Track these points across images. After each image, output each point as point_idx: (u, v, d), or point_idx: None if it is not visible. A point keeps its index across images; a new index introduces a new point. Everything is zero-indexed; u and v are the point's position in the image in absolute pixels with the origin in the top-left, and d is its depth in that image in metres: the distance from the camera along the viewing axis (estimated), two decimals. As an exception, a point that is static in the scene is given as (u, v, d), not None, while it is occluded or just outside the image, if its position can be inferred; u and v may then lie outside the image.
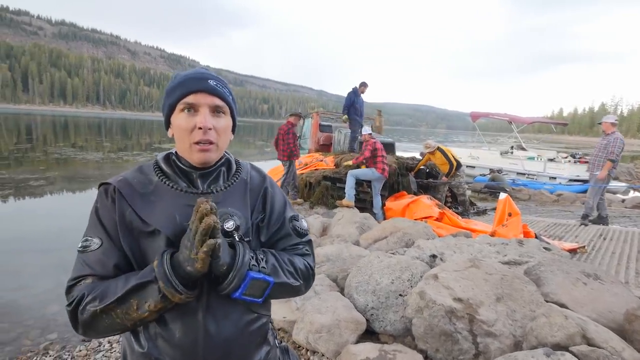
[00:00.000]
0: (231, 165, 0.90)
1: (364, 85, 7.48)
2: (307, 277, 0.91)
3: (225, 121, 0.83)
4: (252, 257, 0.79)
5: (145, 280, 0.72)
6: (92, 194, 8.63)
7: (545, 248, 3.14)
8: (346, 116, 7.44)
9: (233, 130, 0.90)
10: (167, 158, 0.87)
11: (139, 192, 0.80)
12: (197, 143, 0.79)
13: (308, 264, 0.92)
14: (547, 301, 2.21)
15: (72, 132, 29.03)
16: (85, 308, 0.72)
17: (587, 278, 2.42)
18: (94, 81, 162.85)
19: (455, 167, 6.49)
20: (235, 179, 0.88)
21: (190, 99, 0.78)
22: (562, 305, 2.16)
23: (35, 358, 2.49)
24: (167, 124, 0.85)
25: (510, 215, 4.11)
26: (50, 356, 2.50)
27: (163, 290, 0.70)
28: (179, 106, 0.80)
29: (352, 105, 7.35)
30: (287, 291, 0.86)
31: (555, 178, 11.63)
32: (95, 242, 0.78)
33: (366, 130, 5.79)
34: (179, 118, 0.80)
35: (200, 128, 0.78)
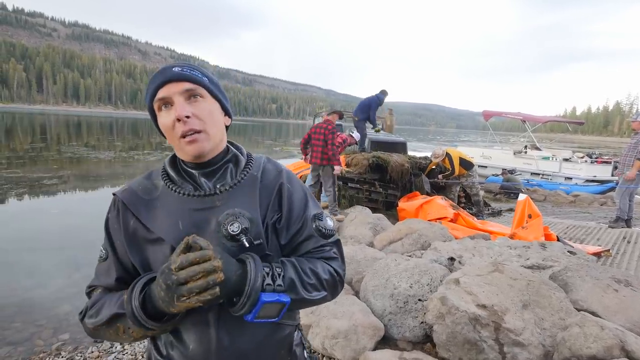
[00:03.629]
0: (239, 160, 0.82)
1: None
2: (334, 285, 0.81)
3: (206, 104, 0.75)
4: (268, 274, 0.69)
5: (121, 312, 0.70)
6: (104, 193, 8.71)
7: (569, 252, 3.01)
8: (379, 127, 7.13)
9: (228, 114, 0.82)
10: (174, 161, 0.81)
11: (143, 199, 0.77)
12: (183, 137, 0.72)
13: (334, 270, 0.81)
14: (577, 309, 2.10)
15: (84, 132, 29.49)
16: (85, 322, 0.76)
17: (617, 284, 2.29)
18: (106, 81, 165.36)
19: (453, 172, 6.37)
20: (243, 175, 0.79)
21: (160, 94, 0.73)
22: (593, 314, 2.04)
23: (48, 358, 2.47)
24: (161, 132, 0.78)
25: (530, 217, 3.97)
26: (62, 357, 2.48)
27: (132, 327, 0.69)
28: (156, 106, 0.75)
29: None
30: (309, 304, 0.77)
31: (571, 178, 11.35)
32: (103, 254, 0.80)
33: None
34: (161, 118, 0.75)
35: (179, 120, 0.71)
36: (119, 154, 15.63)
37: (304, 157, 5.52)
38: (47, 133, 25.75)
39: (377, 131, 7.15)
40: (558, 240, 3.85)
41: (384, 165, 6.13)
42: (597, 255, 3.70)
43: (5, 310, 3.11)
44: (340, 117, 5.81)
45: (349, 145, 6.33)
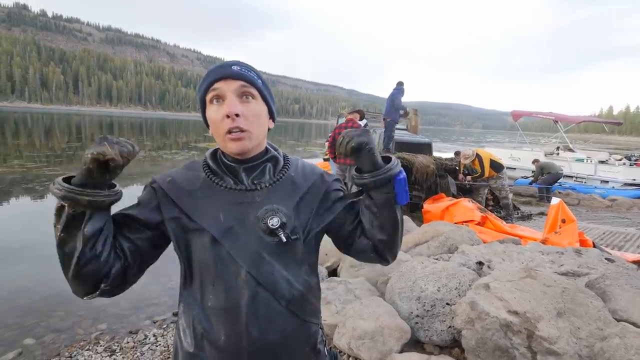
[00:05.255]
0: (278, 161, 0.86)
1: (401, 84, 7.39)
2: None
3: (256, 106, 0.79)
4: None
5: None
6: (135, 190, 9.08)
7: (607, 259, 2.88)
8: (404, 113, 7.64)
9: (272, 117, 0.86)
10: (214, 154, 0.85)
11: (185, 189, 0.80)
12: (229, 132, 0.76)
13: None
14: (616, 319, 2.01)
15: (116, 132, 30.82)
16: None
17: (661, 295, 2.18)
18: (136, 83, 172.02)
19: (482, 175, 6.22)
20: (281, 175, 0.84)
21: (215, 87, 0.77)
22: (634, 325, 1.95)
23: (88, 347, 2.62)
24: (206, 122, 0.83)
25: (564, 221, 3.82)
26: (101, 346, 2.62)
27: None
28: (208, 98, 0.78)
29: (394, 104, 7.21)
30: (401, 221, 0.84)
31: (607, 182, 10.77)
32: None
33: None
34: (210, 111, 0.78)
35: (228, 116, 0.75)
36: (148, 153, 16.23)
37: (331, 157, 5.69)
38: (82, 133, 27.12)
39: (406, 114, 7.64)
40: (594, 246, 3.68)
41: (408, 166, 6.07)
42: (638, 263, 3.51)
43: (49, 299, 3.32)
44: (362, 116, 5.91)
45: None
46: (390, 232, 0.82)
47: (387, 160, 0.79)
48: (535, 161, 9.66)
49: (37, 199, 7.47)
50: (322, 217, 0.85)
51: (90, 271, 0.70)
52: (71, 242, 0.68)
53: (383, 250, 0.85)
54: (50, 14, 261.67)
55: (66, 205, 0.66)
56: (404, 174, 0.78)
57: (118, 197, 0.72)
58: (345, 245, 0.89)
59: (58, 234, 0.68)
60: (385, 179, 0.76)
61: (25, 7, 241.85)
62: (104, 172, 0.66)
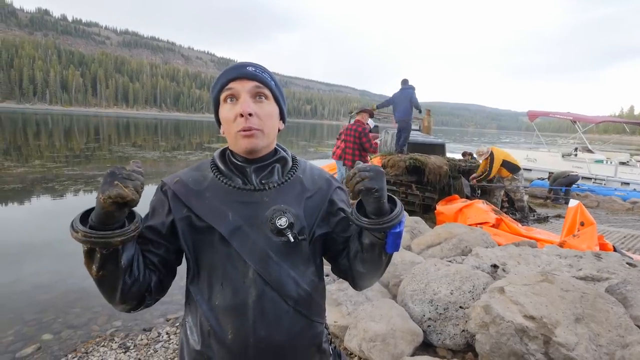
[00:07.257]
0: (287, 162, 0.87)
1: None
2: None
3: (269, 106, 0.80)
4: None
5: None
6: (150, 190, 9.26)
7: (628, 264, 2.78)
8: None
9: (283, 119, 0.87)
10: (223, 154, 0.86)
11: (193, 189, 0.81)
12: (241, 130, 0.77)
13: None
14: (637, 326, 1.94)
15: (132, 133, 31.49)
16: None
17: (687, 302, 2.09)
18: (152, 85, 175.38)
19: (489, 174, 6.10)
20: (290, 175, 0.85)
21: (230, 87, 0.78)
22: (657, 332, 1.88)
23: (103, 343, 2.67)
24: (218, 121, 0.84)
25: (582, 224, 3.71)
26: (115, 342, 2.67)
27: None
28: (222, 97, 0.80)
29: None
30: (387, 264, 0.81)
31: (628, 184, 10.43)
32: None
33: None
34: (223, 110, 0.80)
35: (241, 115, 0.76)
36: (163, 154, 16.52)
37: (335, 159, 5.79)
38: (100, 134, 27.80)
39: (420, 112, 7.60)
40: (615, 250, 3.57)
41: (421, 167, 6.00)
42: (661, 268, 3.37)
43: (68, 296, 3.41)
44: (371, 115, 5.85)
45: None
46: (370, 269, 0.81)
47: (391, 201, 0.74)
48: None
49: (57, 198, 7.69)
50: (326, 222, 0.85)
51: (134, 293, 0.74)
52: (110, 276, 0.70)
53: (358, 280, 0.86)
54: (70, 19, 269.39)
55: (97, 248, 0.66)
56: (403, 226, 0.74)
57: (141, 223, 0.72)
58: (330, 258, 0.90)
59: (95, 273, 0.68)
60: (381, 229, 0.72)
61: (46, 12, 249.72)
62: (123, 208, 0.65)
